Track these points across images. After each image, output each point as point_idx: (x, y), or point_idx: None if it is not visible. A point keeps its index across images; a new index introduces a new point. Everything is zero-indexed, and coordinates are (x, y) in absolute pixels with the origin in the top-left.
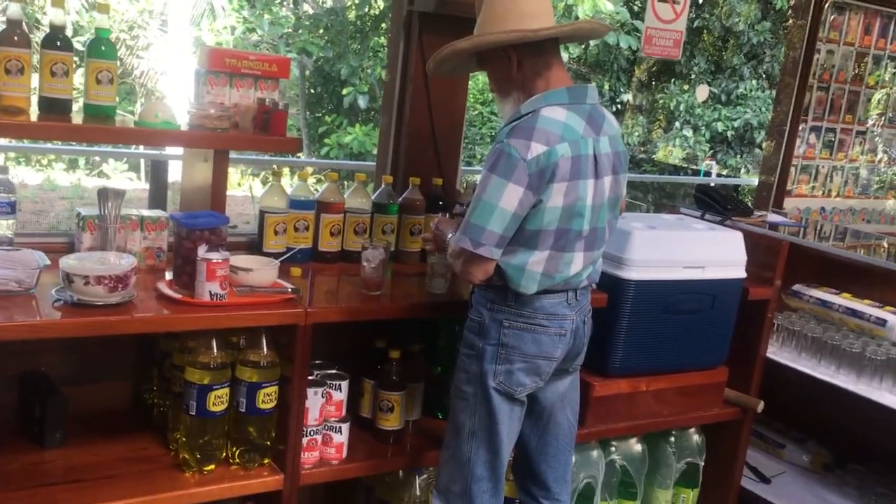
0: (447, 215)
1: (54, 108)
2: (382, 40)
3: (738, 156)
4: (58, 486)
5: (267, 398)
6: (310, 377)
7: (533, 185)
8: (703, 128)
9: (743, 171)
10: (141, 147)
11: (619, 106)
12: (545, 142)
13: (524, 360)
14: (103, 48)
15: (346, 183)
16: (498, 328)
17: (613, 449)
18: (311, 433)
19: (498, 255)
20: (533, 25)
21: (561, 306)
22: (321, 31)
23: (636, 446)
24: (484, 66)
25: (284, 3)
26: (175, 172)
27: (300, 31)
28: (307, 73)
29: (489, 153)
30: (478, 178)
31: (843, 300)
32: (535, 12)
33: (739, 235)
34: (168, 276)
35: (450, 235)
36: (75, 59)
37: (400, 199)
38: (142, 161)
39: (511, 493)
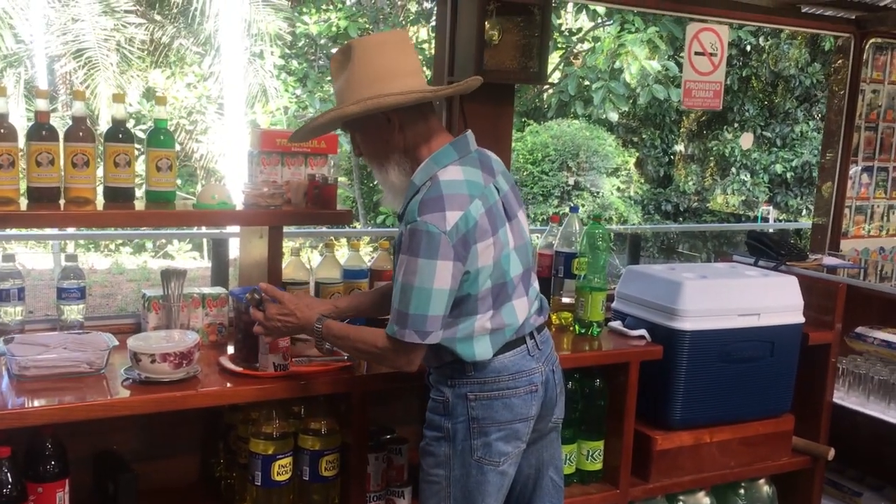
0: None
1: (118, 196)
2: None
3: (799, 197)
4: None
5: (329, 465)
6: (370, 443)
7: (460, 255)
8: (761, 171)
9: (804, 212)
10: (203, 227)
11: (671, 157)
12: (458, 207)
13: (500, 428)
14: (162, 137)
15: None
16: (464, 403)
17: (681, 503)
18: (374, 499)
19: (441, 336)
20: (413, 83)
21: (524, 360)
22: None
23: (704, 500)
24: (355, 129)
25: None
26: (235, 249)
27: None
28: None
29: (404, 235)
30: (535, 238)
31: None
32: (413, 69)
33: (794, 280)
34: (230, 350)
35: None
36: (137, 147)
37: None
38: (204, 240)
39: None
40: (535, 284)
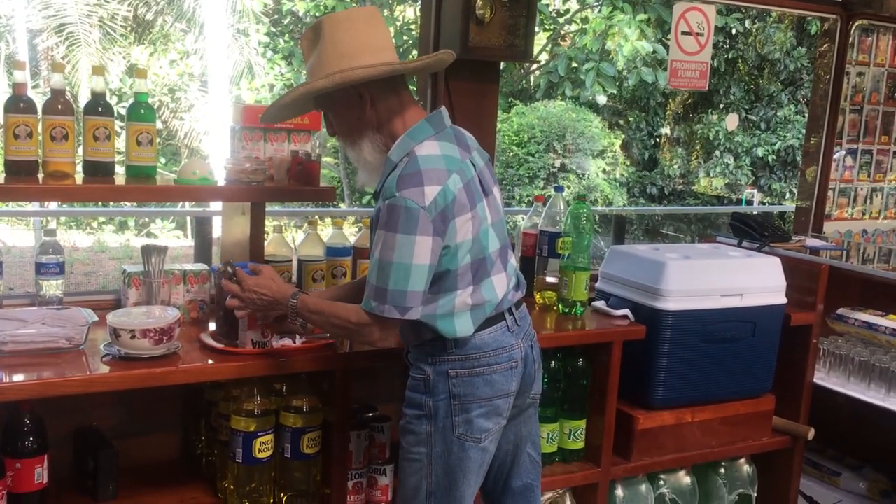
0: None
1: (98, 170)
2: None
3: (783, 180)
4: None
5: (311, 443)
6: (352, 420)
7: (439, 230)
8: (744, 154)
9: (787, 195)
10: (186, 205)
11: (656, 139)
12: (437, 181)
13: (481, 405)
14: (142, 111)
15: None
16: (445, 381)
17: (662, 482)
18: (356, 476)
19: (421, 313)
20: (383, 58)
21: (504, 336)
22: None
23: (685, 479)
24: (327, 107)
25: None
26: (219, 228)
27: None
28: None
29: (382, 210)
30: (520, 219)
31: (890, 322)
32: (383, 45)
33: (777, 261)
34: (212, 326)
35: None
36: (117, 123)
37: None
38: (188, 219)
39: None
40: (513, 260)
